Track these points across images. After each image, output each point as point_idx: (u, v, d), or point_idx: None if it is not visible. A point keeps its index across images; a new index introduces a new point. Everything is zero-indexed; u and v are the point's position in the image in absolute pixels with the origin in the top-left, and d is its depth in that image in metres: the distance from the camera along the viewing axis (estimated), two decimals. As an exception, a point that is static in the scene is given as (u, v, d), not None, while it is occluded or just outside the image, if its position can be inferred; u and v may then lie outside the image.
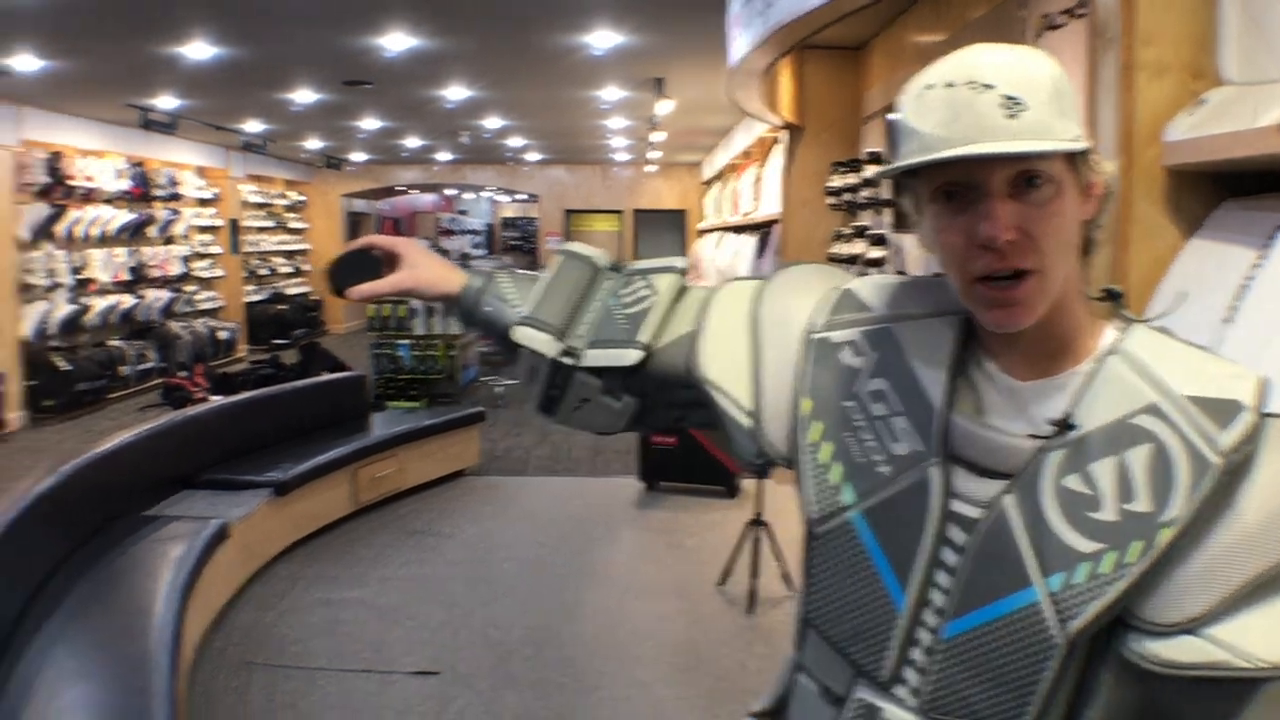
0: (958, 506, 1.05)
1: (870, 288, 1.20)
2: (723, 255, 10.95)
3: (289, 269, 18.56)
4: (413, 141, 14.50)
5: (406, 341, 10.63)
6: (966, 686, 1.03)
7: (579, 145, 14.90)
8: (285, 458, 6.18)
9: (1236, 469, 0.95)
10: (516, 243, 21.84)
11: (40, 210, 10.59)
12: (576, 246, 1.47)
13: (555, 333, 1.36)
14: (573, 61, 7.77)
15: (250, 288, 16.67)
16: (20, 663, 3.32)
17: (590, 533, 6.41)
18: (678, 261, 1.41)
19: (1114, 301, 1.08)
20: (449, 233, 25.03)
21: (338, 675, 4.35)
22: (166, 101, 10.06)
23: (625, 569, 5.87)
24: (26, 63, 7.65)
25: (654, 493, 7.16)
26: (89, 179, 11.41)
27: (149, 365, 12.24)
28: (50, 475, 4.38)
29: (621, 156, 16.33)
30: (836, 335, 1.17)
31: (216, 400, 7.78)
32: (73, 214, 11.14)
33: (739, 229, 10.76)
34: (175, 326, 13.30)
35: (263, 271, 17.38)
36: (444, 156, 17.03)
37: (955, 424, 1.07)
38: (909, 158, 1.01)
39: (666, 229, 17.82)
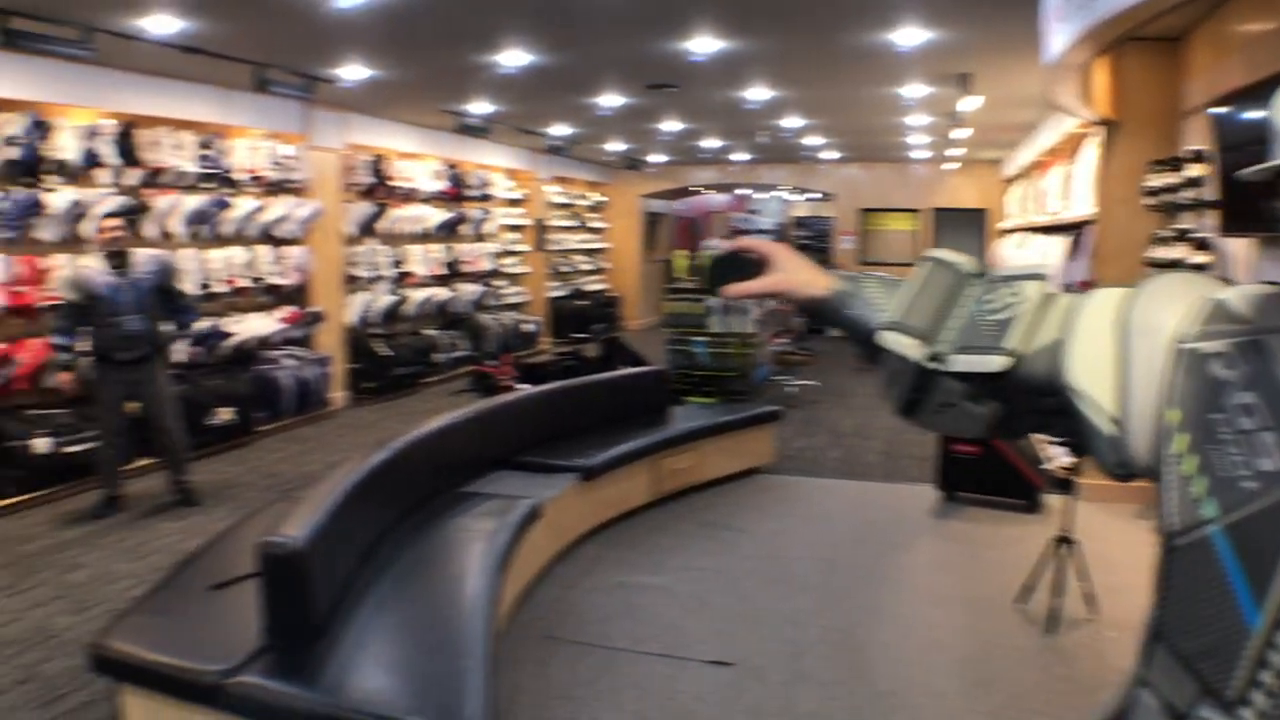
0: None
1: (1243, 298, 1.12)
2: (1028, 257, 10.49)
3: (589, 266, 19.31)
4: (711, 142, 14.72)
5: (702, 338, 10.80)
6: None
7: (876, 143, 14.65)
8: (591, 445, 6.43)
9: None
10: (807, 242, 21.71)
11: (365, 208, 11.54)
12: (942, 253, 1.48)
13: (921, 337, 1.38)
14: (876, 59, 7.66)
15: (553, 284, 17.46)
16: (350, 619, 3.64)
17: (886, 538, 6.31)
18: (1042, 268, 1.40)
19: None
20: (740, 232, 25.22)
21: (635, 657, 4.50)
22: (480, 107, 10.70)
23: (921, 577, 5.75)
24: (355, 72, 8.34)
25: (951, 502, 6.96)
26: (408, 180, 12.35)
27: (460, 353, 13.07)
28: (385, 449, 4.75)
29: (919, 154, 15.92)
30: (1207, 346, 1.10)
31: (526, 389, 8.17)
32: (393, 212, 12.09)
33: (1045, 229, 10.26)
34: (484, 318, 14.12)
35: (565, 269, 18.17)
36: (740, 156, 17.18)
37: None
38: None
39: (965, 229, 17.20)
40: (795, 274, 1.49)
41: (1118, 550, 5.58)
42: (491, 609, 3.76)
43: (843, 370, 13.40)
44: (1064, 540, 4.90)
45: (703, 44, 7.15)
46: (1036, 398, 1.32)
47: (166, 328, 6.92)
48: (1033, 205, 11.25)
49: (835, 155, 16.68)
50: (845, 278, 1.50)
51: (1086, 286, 7.14)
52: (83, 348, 6.67)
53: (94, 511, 6.73)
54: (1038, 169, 11.43)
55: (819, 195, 19.90)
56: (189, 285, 8.43)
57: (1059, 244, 8.58)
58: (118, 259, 6.53)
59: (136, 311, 6.52)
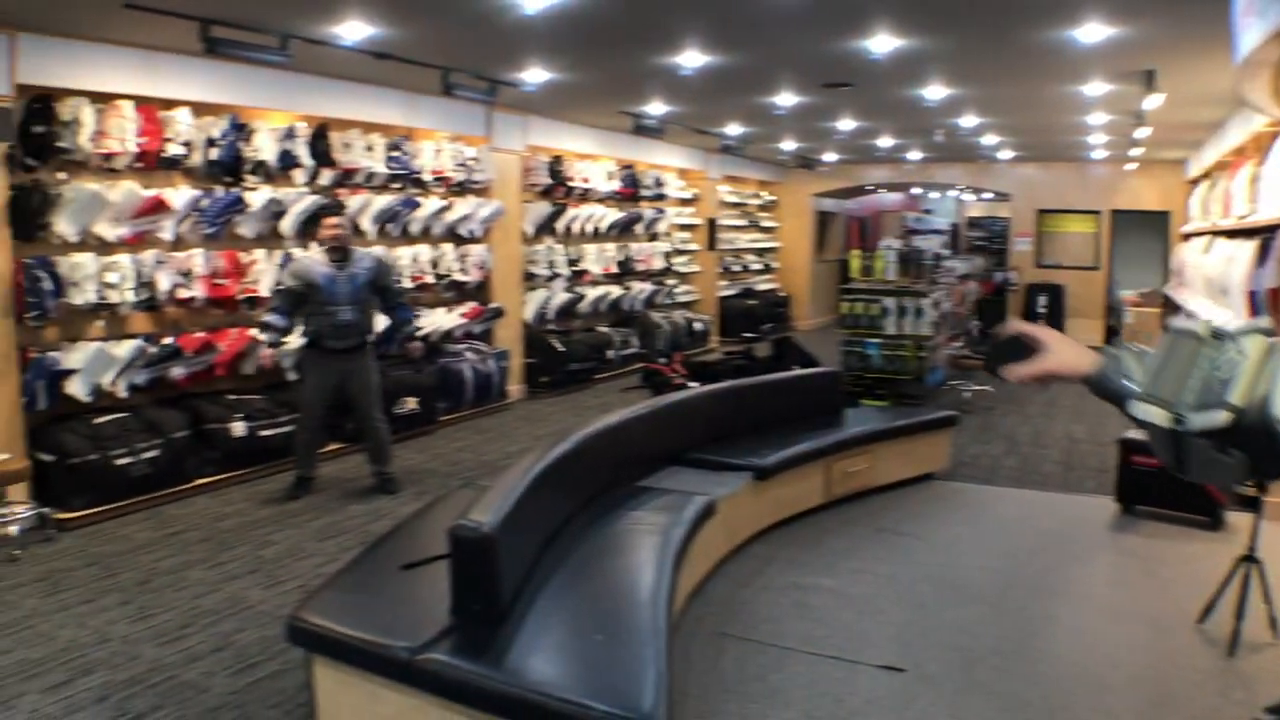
0: None
1: None
2: (1212, 262, 9.95)
3: (759, 266, 19.24)
4: (885, 141, 14.47)
5: (876, 340, 10.65)
6: None
7: (1054, 142, 14.11)
8: (764, 445, 6.43)
9: None
10: (982, 243, 21.10)
11: (542, 208, 11.80)
12: (1182, 323, 1.63)
13: (1165, 404, 1.55)
14: (1057, 56, 7.38)
15: (723, 283, 17.47)
16: (532, 604, 3.74)
17: (1062, 549, 6.10)
18: (1262, 321, 1.58)
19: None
20: (914, 232, 24.72)
21: (806, 657, 4.47)
22: (656, 108, 10.79)
23: (1098, 591, 5.53)
24: (536, 75, 8.51)
25: (1130, 515, 6.67)
26: (585, 180, 12.56)
27: (631, 351, 13.23)
28: (567, 441, 4.86)
29: (1099, 154, 15.26)
30: None
31: (695, 387, 8.22)
32: (570, 211, 12.30)
33: (1231, 233, 9.70)
34: (655, 316, 14.24)
35: (735, 268, 18.16)
36: (914, 155, 16.84)
37: None
38: None
39: (1146, 231, 16.41)
40: (1064, 355, 1.69)
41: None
42: (668, 601, 3.81)
43: (1021, 376, 13.01)
44: (1248, 559, 4.65)
45: (881, 42, 7.02)
46: (1271, 441, 1.47)
47: (380, 321, 7.31)
48: (1218, 207, 10.66)
49: (1011, 154, 16.16)
50: (1106, 355, 1.68)
51: (1276, 295, 6.75)
52: (295, 335, 7.05)
53: (288, 493, 7.10)
54: (1223, 169, 10.82)
55: (993, 195, 19.32)
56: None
57: (1246, 249, 8.11)
58: (339, 254, 6.88)
59: (351, 303, 6.86)
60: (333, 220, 6.99)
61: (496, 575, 3.51)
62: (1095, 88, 8.89)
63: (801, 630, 4.78)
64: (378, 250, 7.71)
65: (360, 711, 3.52)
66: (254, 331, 7.78)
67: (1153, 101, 8.84)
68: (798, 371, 9.44)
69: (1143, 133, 11.48)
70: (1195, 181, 13.86)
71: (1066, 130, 12.49)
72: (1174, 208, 15.57)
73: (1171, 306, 12.20)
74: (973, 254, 19.34)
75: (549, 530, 4.45)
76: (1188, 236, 12.96)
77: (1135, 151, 14.29)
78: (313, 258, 6.94)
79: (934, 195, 24.64)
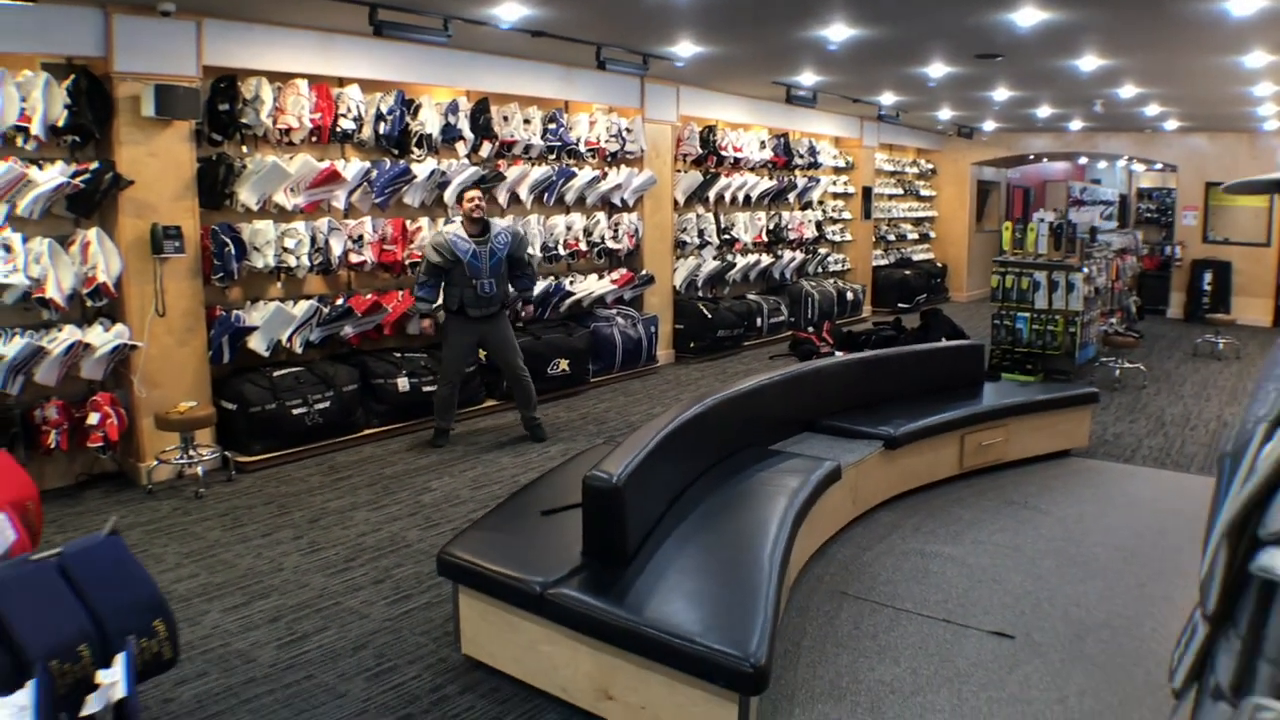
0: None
1: None
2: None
3: (915, 236, 19.05)
4: (1044, 110, 14.15)
5: (1025, 314, 10.57)
6: (1208, 576, 1.23)
7: (1220, 113, 13.51)
8: (899, 415, 6.59)
9: None
10: (1152, 215, 20.36)
11: (694, 177, 12.03)
12: None
13: None
14: (1212, 28, 7.20)
15: (877, 252, 17.39)
16: (656, 551, 4.08)
17: (1191, 531, 6.03)
18: None
19: None
20: (1079, 203, 23.96)
21: (919, 619, 4.67)
22: (808, 78, 10.88)
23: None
24: (686, 49, 8.76)
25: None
26: (737, 149, 12.71)
27: (780, 319, 13.39)
28: (697, 403, 5.15)
29: (1271, 124, 14.57)
30: None
31: (840, 356, 8.37)
32: (722, 180, 12.49)
33: None
34: (806, 285, 14.34)
35: (890, 237, 18.04)
36: (1076, 125, 16.38)
37: None
38: None
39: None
40: None
41: None
42: (783, 557, 4.07)
43: (1175, 355, 12.68)
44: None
45: (1027, 15, 6.99)
46: None
47: (514, 291, 7.75)
48: None
49: (1176, 125, 15.54)
50: None
51: None
52: (440, 302, 7.53)
53: (432, 441, 7.69)
54: None
55: (1160, 166, 18.61)
56: (534, 249, 9.27)
57: None
58: (479, 226, 7.34)
59: (491, 276, 7.35)
60: (472, 194, 7.43)
61: (624, 522, 3.85)
62: (1256, 58, 8.61)
63: (918, 594, 4.97)
64: (512, 224, 8.10)
65: (497, 638, 3.93)
66: (417, 295, 8.35)
67: (1316, 72, 8.54)
68: (939, 344, 9.47)
69: (1311, 103, 11.00)
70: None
71: (1232, 101, 12.01)
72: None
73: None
74: (1142, 226, 18.77)
75: (678, 485, 4.77)
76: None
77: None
78: (456, 232, 7.37)
79: (1102, 165, 23.84)
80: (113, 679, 2.31)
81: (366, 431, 7.84)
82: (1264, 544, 1.13)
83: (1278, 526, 1.10)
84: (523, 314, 8.46)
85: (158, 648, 2.64)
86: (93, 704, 2.26)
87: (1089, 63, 9.20)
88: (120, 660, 2.37)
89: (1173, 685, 1.37)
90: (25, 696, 2.18)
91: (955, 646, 4.40)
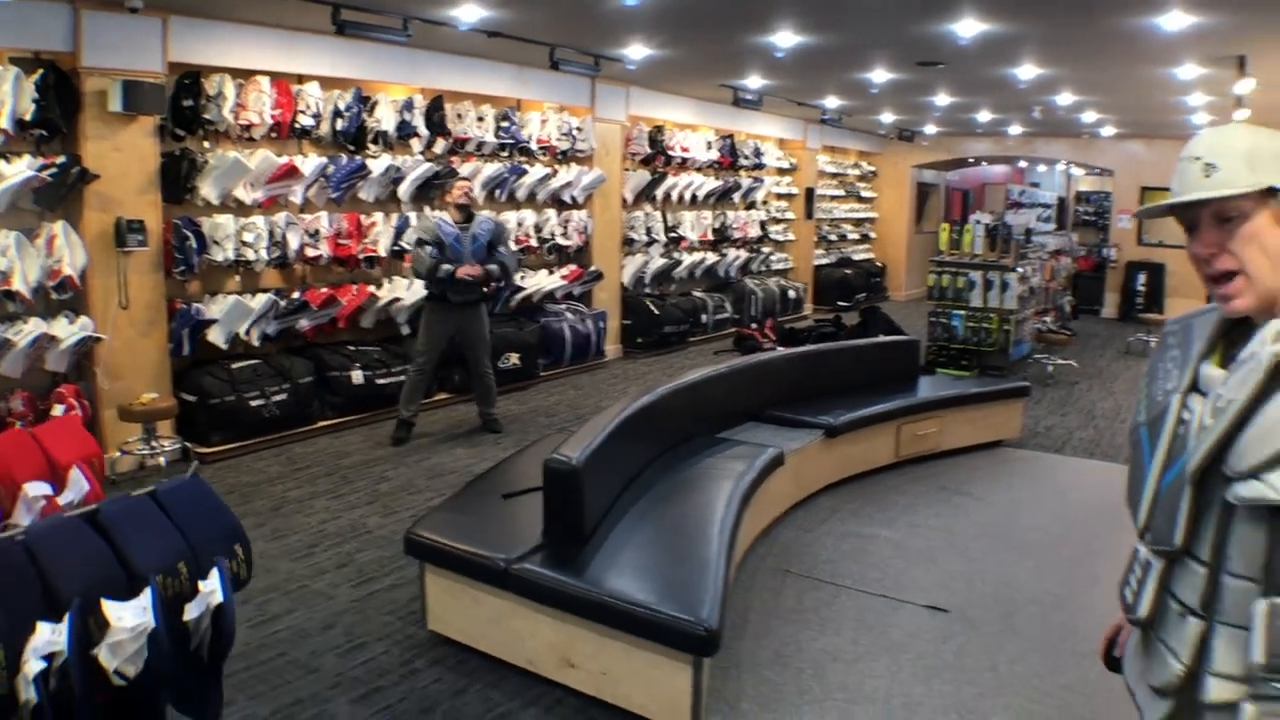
0: (1186, 415, 1.66)
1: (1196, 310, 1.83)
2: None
3: (857, 236, 19.48)
4: (984, 115, 14.57)
5: (961, 312, 10.95)
6: (1159, 520, 1.67)
7: (1156, 120, 14.02)
8: (838, 406, 6.89)
9: None
10: (1090, 218, 20.95)
11: (642, 176, 12.30)
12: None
13: None
14: (1145, 41, 7.56)
15: (819, 252, 17.77)
16: (613, 529, 4.34)
17: (1120, 517, 6.34)
18: None
19: None
20: (1018, 205, 24.51)
21: (858, 595, 4.97)
22: (754, 81, 11.17)
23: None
24: (637, 52, 9.01)
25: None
26: (684, 150, 13.00)
27: (724, 315, 13.72)
28: (649, 393, 5.41)
29: (1204, 132, 15.13)
30: (1169, 327, 1.88)
31: (782, 350, 8.67)
32: (669, 180, 12.77)
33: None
34: (750, 283, 14.68)
35: (832, 237, 18.43)
36: (1015, 129, 16.86)
37: (1201, 369, 1.68)
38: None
39: (1259, 212, 16.20)
40: None
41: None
42: (731, 533, 4.34)
43: (1108, 353, 13.17)
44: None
45: (967, 26, 7.30)
46: None
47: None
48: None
49: (1114, 131, 16.07)
50: None
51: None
52: (401, 292, 7.69)
53: (393, 436, 7.79)
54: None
55: (1099, 170, 19.20)
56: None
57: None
58: (465, 213, 7.58)
59: (472, 261, 7.50)
60: (463, 183, 7.68)
61: (582, 502, 4.09)
62: (1188, 70, 9.00)
63: (857, 572, 5.27)
64: (494, 214, 8.28)
65: (463, 613, 4.16)
66: (372, 288, 8.53)
67: (1244, 86, 8.95)
68: (877, 339, 9.82)
69: (1242, 114, 11.46)
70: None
71: (1166, 110, 12.47)
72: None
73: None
74: (1079, 229, 19.32)
75: (632, 469, 5.03)
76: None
77: (1238, 133, 14.14)
78: (441, 216, 7.59)
79: (1041, 168, 24.43)
80: (211, 588, 2.79)
81: (322, 423, 7.99)
82: (1233, 480, 1.51)
83: (1246, 464, 1.48)
84: (489, 286, 8.57)
85: (238, 568, 3.12)
86: (193, 609, 2.76)
87: (1027, 71, 9.57)
88: (215, 574, 2.84)
89: (1136, 616, 1.77)
90: (145, 599, 2.65)
91: (892, 619, 4.70)
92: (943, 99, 12.52)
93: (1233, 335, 1.69)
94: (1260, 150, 1.62)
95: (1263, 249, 1.59)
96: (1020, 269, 10.93)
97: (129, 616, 2.59)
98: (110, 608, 2.60)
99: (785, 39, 8.12)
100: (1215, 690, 1.55)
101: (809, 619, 4.67)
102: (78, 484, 3.49)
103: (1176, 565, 1.67)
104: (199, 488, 3.21)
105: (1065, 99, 11.82)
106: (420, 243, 7.46)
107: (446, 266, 7.39)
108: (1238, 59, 8.19)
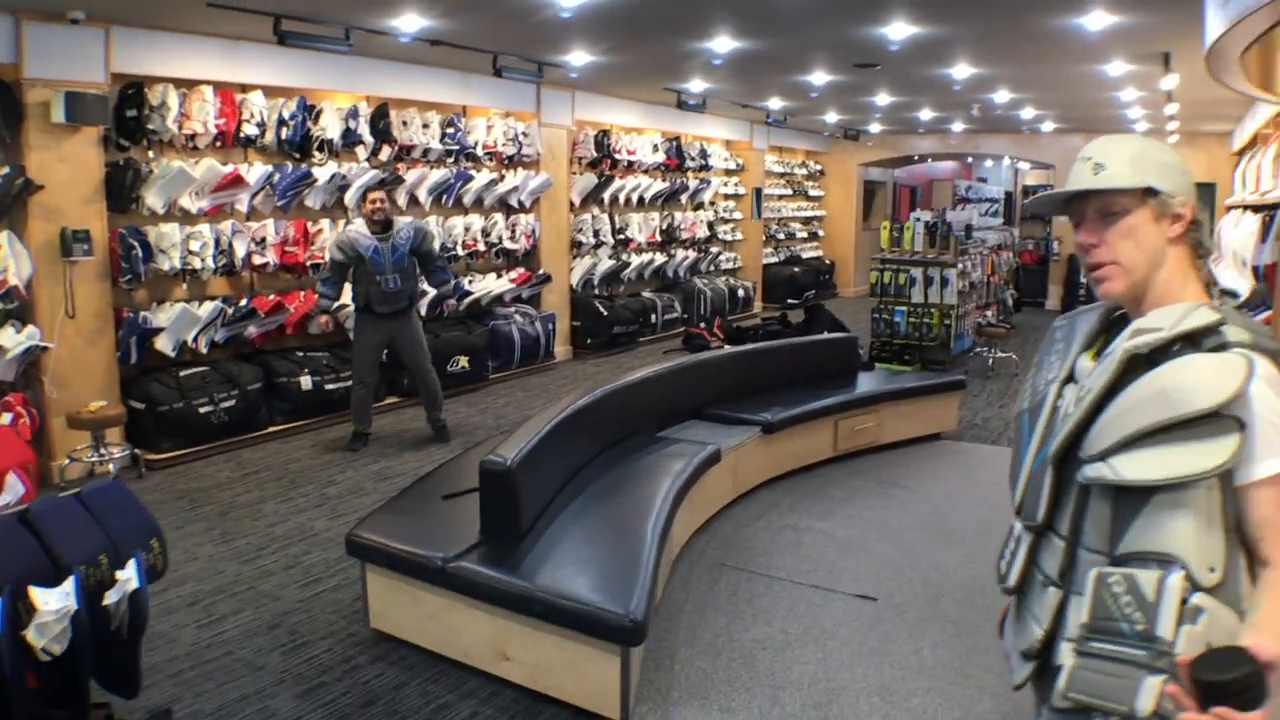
0: (1060, 403, 1.86)
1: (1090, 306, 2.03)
2: (1239, 236, 10.35)
3: (805, 234, 19.76)
4: (926, 114, 14.82)
5: (903, 308, 11.18)
6: (1028, 498, 1.88)
7: (1092, 115, 14.32)
8: (777, 403, 7.07)
9: (1144, 363, 1.68)
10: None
11: (590, 179, 12.45)
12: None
13: None
14: (1072, 40, 7.78)
15: (768, 250, 18.02)
16: (549, 526, 4.49)
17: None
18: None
19: (1228, 295, 1.74)
20: (965, 201, 24.90)
21: (791, 585, 5.15)
22: (697, 85, 11.35)
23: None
24: (579, 58, 9.15)
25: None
26: (631, 153, 13.18)
27: (674, 315, 13.91)
28: (588, 394, 5.56)
29: (1141, 126, 15.46)
30: (1057, 322, 2.08)
31: (726, 349, 8.85)
32: (616, 182, 12.94)
33: (1258, 208, 10.07)
34: (699, 283, 14.87)
35: (780, 236, 18.68)
36: (958, 127, 17.16)
37: (1078, 361, 1.90)
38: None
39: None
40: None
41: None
42: (664, 527, 4.51)
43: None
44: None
45: (898, 29, 7.48)
46: None
47: (424, 286, 8.07)
48: (1251, 181, 11.00)
49: (1054, 126, 16.40)
50: None
51: (1271, 270, 7.19)
52: (345, 299, 7.80)
53: (348, 445, 7.87)
54: (1260, 144, 11.12)
55: (1038, 166, 19.57)
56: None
57: (1254, 224, 8.53)
58: (381, 226, 7.56)
59: (395, 271, 7.54)
60: (374, 195, 7.63)
61: (517, 501, 4.24)
62: (1116, 67, 9.23)
63: (791, 564, 5.46)
64: (415, 220, 8.40)
65: (403, 611, 4.30)
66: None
67: (1170, 82, 9.22)
68: (817, 337, 10.03)
69: (1172, 109, 11.78)
70: (1239, 154, 14.04)
71: (1101, 105, 12.76)
72: (1221, 179, 15.68)
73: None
74: (1025, 223, 19.68)
75: (570, 468, 5.17)
76: (1230, 209, 13.23)
77: (1172, 125, 14.51)
78: (359, 230, 7.57)
79: (989, 163, 24.81)
80: (128, 577, 3.08)
81: (271, 429, 8.07)
82: (1084, 462, 1.74)
83: (1096, 448, 1.69)
84: (449, 311, 8.73)
85: (154, 560, 3.42)
86: (112, 595, 3.05)
87: (962, 71, 9.80)
88: (132, 564, 3.13)
89: (1006, 585, 1.99)
90: (69, 586, 2.96)
91: (823, 609, 4.88)
92: (883, 99, 12.75)
93: (1112, 331, 1.89)
94: (1146, 156, 1.81)
95: (1138, 244, 1.79)
96: (960, 265, 11.19)
97: (54, 601, 2.90)
98: (37, 593, 2.91)
99: (723, 44, 8.29)
100: (1064, 653, 1.74)
101: (742, 610, 4.84)
102: (13, 488, 3.82)
103: (1042, 539, 1.88)
104: (119, 490, 3.53)
105: (1002, 96, 12.09)
106: (331, 262, 7.61)
107: (324, 303, 7.68)
108: (1163, 55, 8.43)
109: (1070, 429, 1.76)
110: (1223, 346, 1.64)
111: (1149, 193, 1.78)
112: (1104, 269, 1.82)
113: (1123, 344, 1.71)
